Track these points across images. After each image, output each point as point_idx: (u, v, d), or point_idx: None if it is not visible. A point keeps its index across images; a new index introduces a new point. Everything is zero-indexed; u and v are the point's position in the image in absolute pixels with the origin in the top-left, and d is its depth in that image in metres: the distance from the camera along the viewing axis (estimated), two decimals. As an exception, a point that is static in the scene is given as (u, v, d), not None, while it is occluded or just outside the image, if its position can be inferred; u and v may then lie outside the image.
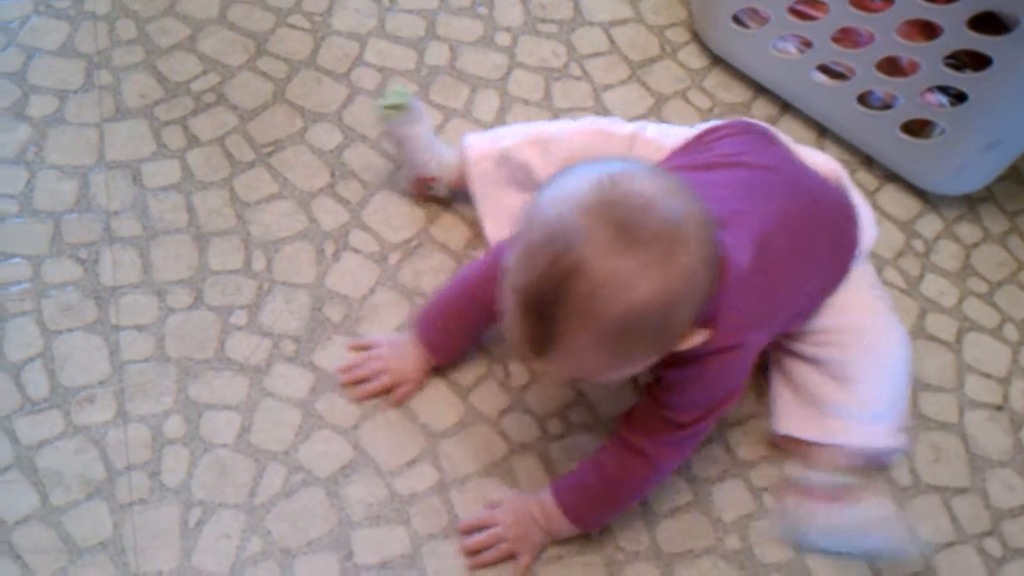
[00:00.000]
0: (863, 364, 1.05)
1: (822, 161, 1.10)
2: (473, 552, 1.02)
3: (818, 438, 1.04)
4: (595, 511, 1.01)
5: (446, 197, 1.21)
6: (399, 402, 1.09)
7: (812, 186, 1.05)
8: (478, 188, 1.16)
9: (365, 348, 1.12)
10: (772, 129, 1.10)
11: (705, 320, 0.84)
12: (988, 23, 1.08)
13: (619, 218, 0.76)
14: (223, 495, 1.02)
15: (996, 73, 1.10)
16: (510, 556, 1.02)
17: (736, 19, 1.30)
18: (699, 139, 1.09)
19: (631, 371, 0.88)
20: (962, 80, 1.14)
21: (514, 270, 0.80)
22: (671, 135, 1.12)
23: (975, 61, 1.12)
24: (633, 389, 1.10)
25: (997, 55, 1.08)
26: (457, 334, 1.09)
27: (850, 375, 1.04)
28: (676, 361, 0.88)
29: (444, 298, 1.09)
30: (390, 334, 1.13)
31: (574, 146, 1.11)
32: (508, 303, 0.81)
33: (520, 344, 0.82)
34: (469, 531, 1.03)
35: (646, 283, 0.76)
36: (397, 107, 1.13)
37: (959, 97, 1.16)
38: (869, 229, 1.09)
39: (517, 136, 1.15)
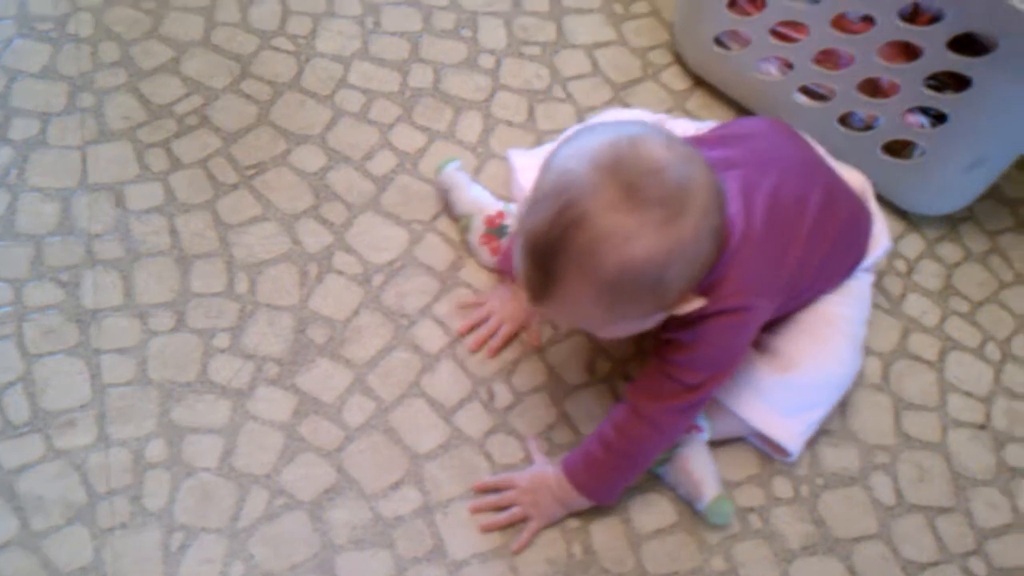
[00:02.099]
0: (805, 357, 1.06)
1: (847, 171, 1.14)
2: (483, 511, 1.05)
3: (729, 405, 1.06)
4: (604, 482, 1.02)
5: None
6: (536, 344, 1.14)
7: (829, 177, 1.09)
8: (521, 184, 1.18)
9: (472, 306, 1.16)
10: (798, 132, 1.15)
11: (709, 284, 0.89)
12: (967, 45, 1.08)
13: (628, 178, 0.80)
14: (205, 519, 1.02)
15: (976, 94, 1.10)
16: (521, 520, 1.04)
17: (718, 41, 1.30)
18: (723, 126, 1.14)
19: (630, 328, 0.92)
20: (942, 101, 1.14)
21: (525, 214, 0.86)
22: (691, 129, 1.16)
23: (955, 82, 1.13)
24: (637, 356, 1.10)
25: (976, 76, 1.09)
26: None
27: (788, 363, 1.06)
28: (681, 322, 0.92)
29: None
30: (494, 288, 1.16)
31: None
32: (517, 245, 0.85)
33: (524, 287, 0.88)
34: (485, 491, 1.05)
35: (644, 242, 0.80)
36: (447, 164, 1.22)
37: (940, 118, 1.17)
38: (881, 240, 1.12)
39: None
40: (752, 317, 0.96)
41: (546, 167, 0.85)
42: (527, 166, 1.18)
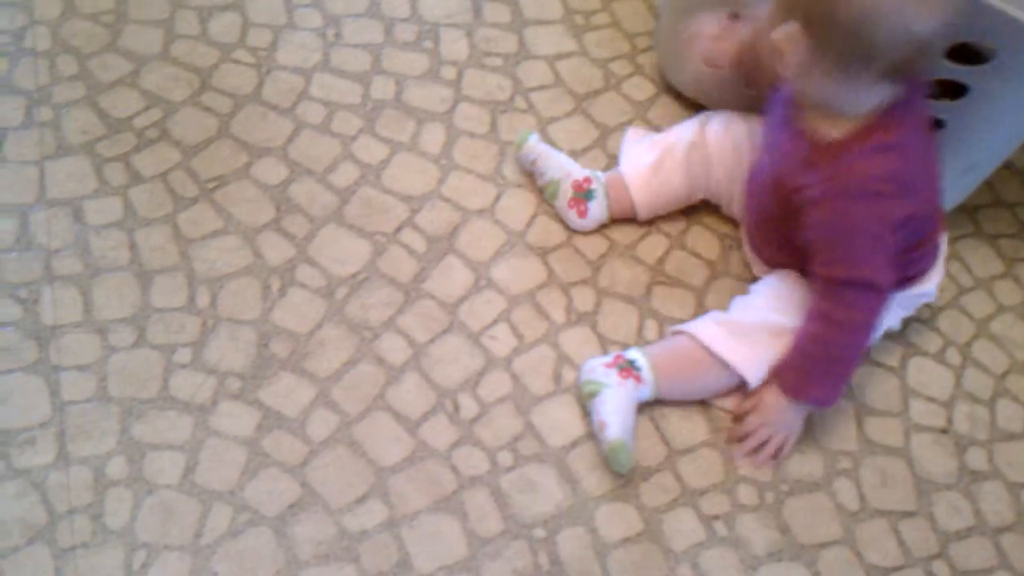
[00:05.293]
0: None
1: None
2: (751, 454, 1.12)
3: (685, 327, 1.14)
4: (820, 383, 1.09)
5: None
6: None
7: None
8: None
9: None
10: None
11: (869, 125, 0.99)
12: (964, 54, 1.10)
13: None
14: (168, 537, 1.01)
15: (972, 101, 1.12)
16: (783, 445, 1.12)
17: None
18: None
19: (796, 65, 0.98)
20: (939, 108, 1.15)
21: None
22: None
23: (952, 90, 1.14)
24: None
25: (974, 84, 1.10)
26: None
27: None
28: (823, 158, 1.02)
29: None
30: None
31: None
32: None
33: None
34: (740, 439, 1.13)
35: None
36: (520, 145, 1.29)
37: (938, 124, 1.18)
38: (931, 281, 1.16)
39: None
40: (895, 164, 0.99)
41: None
42: (635, 150, 1.27)
